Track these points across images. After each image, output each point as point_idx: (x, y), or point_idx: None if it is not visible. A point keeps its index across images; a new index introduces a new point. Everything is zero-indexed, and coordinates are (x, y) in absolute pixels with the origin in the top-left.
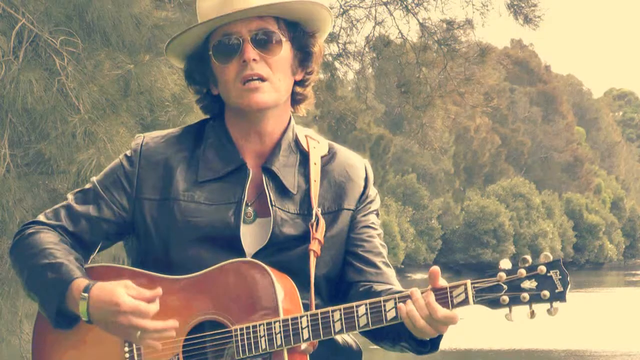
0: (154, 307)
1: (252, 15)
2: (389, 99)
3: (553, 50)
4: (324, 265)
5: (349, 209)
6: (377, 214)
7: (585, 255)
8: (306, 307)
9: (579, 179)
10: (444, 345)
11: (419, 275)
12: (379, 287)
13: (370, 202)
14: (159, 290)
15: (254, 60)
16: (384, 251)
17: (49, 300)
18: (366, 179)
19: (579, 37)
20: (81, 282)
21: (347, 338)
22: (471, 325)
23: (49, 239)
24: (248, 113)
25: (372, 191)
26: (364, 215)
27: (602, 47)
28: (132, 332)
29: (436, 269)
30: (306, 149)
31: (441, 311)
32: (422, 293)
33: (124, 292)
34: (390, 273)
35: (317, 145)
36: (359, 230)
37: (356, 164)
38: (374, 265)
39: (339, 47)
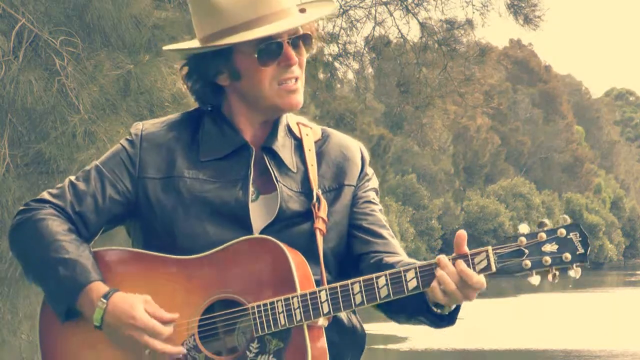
0: (168, 330)
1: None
2: (388, 99)
3: (553, 50)
4: (331, 241)
5: (350, 185)
6: (377, 192)
7: None
8: (317, 282)
9: (579, 179)
10: (443, 345)
11: None
12: (389, 259)
13: (369, 180)
14: (175, 316)
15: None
16: (387, 225)
17: (60, 297)
18: (362, 159)
19: (579, 37)
20: (100, 287)
21: (353, 319)
22: (471, 325)
23: (57, 227)
24: (275, 111)
25: (369, 170)
26: (365, 192)
27: (602, 47)
28: (142, 348)
29: (463, 232)
30: (299, 135)
31: (476, 277)
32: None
33: (142, 308)
34: (396, 243)
35: (310, 132)
36: (361, 205)
37: (351, 146)
38: (380, 236)
39: (338, 47)
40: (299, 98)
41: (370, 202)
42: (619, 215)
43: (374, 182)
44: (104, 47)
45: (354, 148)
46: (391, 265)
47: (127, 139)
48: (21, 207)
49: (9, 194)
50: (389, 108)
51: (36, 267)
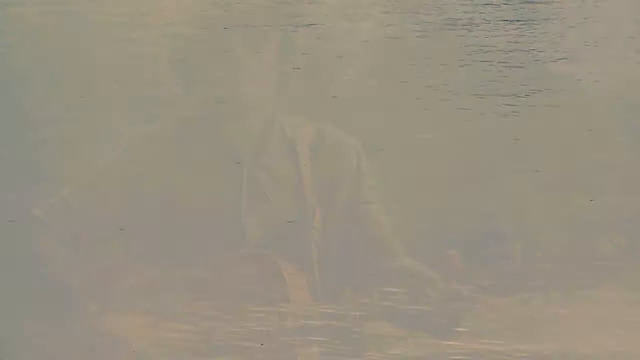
0: None
1: None
2: None
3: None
4: (328, 248)
5: (344, 187)
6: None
7: None
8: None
9: None
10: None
11: None
12: None
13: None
14: None
15: None
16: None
17: None
18: (358, 156)
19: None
20: None
21: None
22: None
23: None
24: None
25: (364, 169)
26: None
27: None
28: None
29: None
30: (292, 138)
31: None
32: None
33: None
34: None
35: (304, 133)
36: (355, 208)
37: (346, 143)
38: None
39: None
40: None
41: (364, 203)
42: None
43: (369, 181)
44: None
45: (349, 147)
46: None
47: None
48: None
49: None
50: None
51: None
